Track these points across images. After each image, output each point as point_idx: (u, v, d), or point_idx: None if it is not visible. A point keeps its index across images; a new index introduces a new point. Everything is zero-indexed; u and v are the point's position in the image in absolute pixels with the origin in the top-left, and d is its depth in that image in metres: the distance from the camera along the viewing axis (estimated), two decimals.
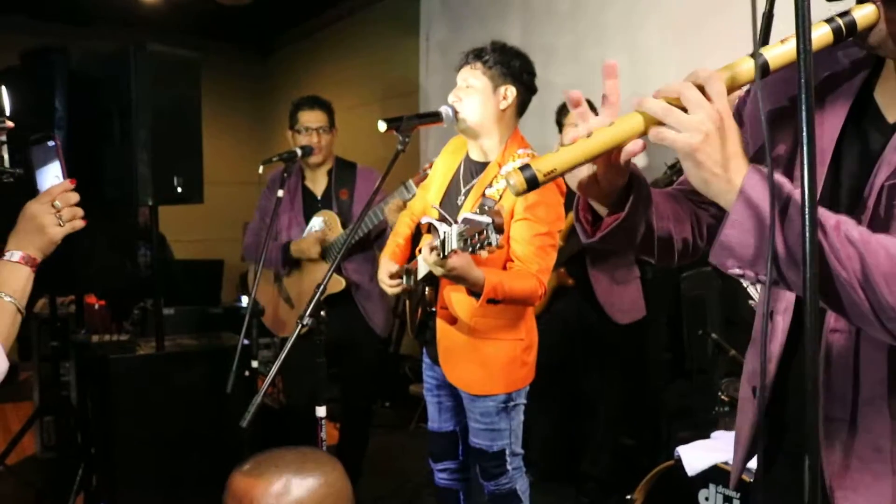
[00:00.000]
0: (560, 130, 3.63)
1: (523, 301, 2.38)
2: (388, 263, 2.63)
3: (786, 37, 1.02)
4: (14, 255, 1.49)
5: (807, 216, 0.82)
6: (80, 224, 1.58)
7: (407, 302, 2.69)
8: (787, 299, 1.19)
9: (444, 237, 2.11)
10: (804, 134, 0.83)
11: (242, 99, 8.38)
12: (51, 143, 1.57)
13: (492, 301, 2.27)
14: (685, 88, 1.00)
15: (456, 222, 2.07)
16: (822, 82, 1.19)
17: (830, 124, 1.15)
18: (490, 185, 2.35)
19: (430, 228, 2.44)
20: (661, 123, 1.02)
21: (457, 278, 2.21)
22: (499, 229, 1.91)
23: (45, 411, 4.30)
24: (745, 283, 2.46)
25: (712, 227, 1.33)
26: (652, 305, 3.58)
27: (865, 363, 1.11)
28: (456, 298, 2.44)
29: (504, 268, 2.38)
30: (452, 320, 2.46)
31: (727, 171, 1.00)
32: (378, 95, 6.53)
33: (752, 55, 1.01)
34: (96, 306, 3.99)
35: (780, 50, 1.02)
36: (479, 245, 1.95)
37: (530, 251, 2.34)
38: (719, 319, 3.31)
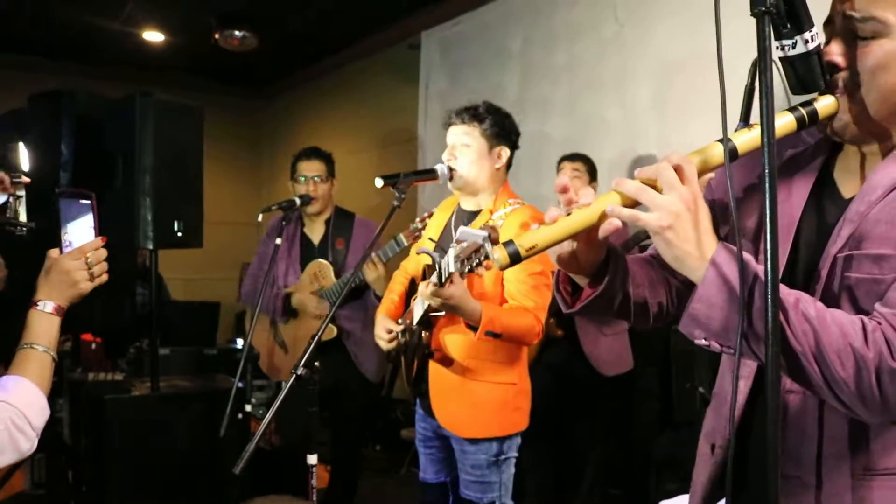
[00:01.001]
0: (560, 165, 3.73)
1: (521, 337, 2.40)
2: (384, 320, 2.68)
3: (753, 123, 1.11)
4: (47, 305, 1.57)
5: (769, 298, 0.88)
6: (105, 279, 1.66)
7: (402, 355, 2.73)
8: (750, 365, 1.26)
9: (441, 263, 2.16)
10: (767, 221, 0.90)
11: (243, 141, 8.49)
12: (85, 201, 1.65)
13: (490, 334, 2.30)
14: (662, 169, 1.07)
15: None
16: (787, 161, 1.27)
17: (795, 200, 1.23)
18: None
19: (425, 273, 2.51)
20: (637, 203, 1.09)
21: (454, 308, 2.25)
22: (495, 242, 1.96)
23: (37, 448, 4.28)
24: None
25: (682, 292, 1.39)
26: (641, 357, 3.63)
27: (826, 422, 1.17)
28: (451, 340, 2.48)
29: None
30: (447, 363, 2.50)
31: (699, 249, 1.06)
32: (377, 142, 6.62)
33: (721, 141, 1.08)
34: (93, 345, 4.02)
35: (748, 136, 1.11)
36: (476, 262, 1.99)
37: (525, 289, 2.39)
38: (707, 373, 3.35)
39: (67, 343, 4.10)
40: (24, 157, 1.82)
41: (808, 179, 1.24)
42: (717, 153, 1.10)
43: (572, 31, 4.64)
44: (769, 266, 0.91)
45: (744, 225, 1.28)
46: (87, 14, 5.82)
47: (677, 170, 1.07)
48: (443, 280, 2.17)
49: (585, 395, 3.61)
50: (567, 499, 3.79)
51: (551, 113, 4.76)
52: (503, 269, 1.13)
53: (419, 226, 3.02)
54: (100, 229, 1.65)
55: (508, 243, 1.10)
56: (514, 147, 2.60)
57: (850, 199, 1.18)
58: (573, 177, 3.65)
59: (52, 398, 3.95)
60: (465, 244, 2.03)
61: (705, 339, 1.09)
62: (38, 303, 1.57)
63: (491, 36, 5.23)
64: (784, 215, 1.20)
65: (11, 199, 1.71)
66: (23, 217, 1.75)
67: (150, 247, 3.10)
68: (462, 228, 2.03)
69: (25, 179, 1.75)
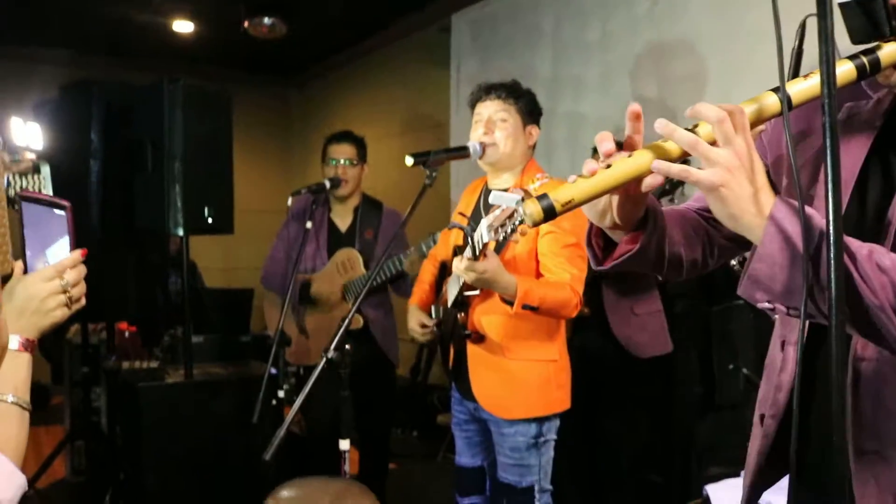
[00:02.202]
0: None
1: (558, 309, 2.35)
2: (417, 313, 2.66)
3: (809, 72, 1.03)
4: (13, 340, 1.23)
5: (832, 253, 0.81)
6: (83, 303, 1.34)
7: (438, 340, 2.68)
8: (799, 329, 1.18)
9: (474, 236, 2.12)
10: (829, 170, 0.82)
11: (274, 129, 8.50)
12: (59, 211, 1.32)
13: (527, 307, 2.25)
14: (720, 120, 0.98)
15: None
16: (845, 112, 1.18)
17: (854, 154, 1.15)
18: None
19: (455, 252, 2.46)
20: (684, 155, 1.01)
21: (488, 282, 2.21)
22: None
23: (76, 436, 4.34)
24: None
25: (725, 249, 1.32)
26: (681, 339, 3.53)
27: None
28: (487, 321, 2.44)
29: None
30: (484, 343, 2.46)
31: (756, 205, 0.98)
32: (408, 127, 6.58)
33: (776, 90, 1.00)
34: (127, 333, 4.04)
35: (804, 85, 1.02)
36: (510, 229, 1.94)
37: (560, 261, 2.34)
38: (751, 354, 3.26)
39: (103, 332, 4.13)
40: (28, 133, 1.78)
41: (870, 134, 1.15)
42: (772, 102, 1.01)
43: (605, 7, 4.54)
44: (832, 216, 0.83)
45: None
46: (117, 6, 5.84)
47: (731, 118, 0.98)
48: (476, 253, 2.12)
49: (620, 379, 3.52)
50: (604, 486, 3.72)
51: (585, 92, 4.67)
52: (536, 225, 1.04)
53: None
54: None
55: (542, 197, 1.02)
56: (538, 128, 2.59)
57: None
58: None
59: (89, 387, 3.99)
60: (497, 211, 1.97)
61: (769, 302, 1.01)
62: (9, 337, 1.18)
63: (522, 16, 5.14)
64: (843, 169, 1.09)
65: (14, 178, 1.68)
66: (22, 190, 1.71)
67: (181, 233, 3.09)
68: (495, 192, 1.97)
69: (27, 157, 1.71)
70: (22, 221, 1.30)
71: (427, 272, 2.85)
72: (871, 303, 0.94)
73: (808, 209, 0.96)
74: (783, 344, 1.22)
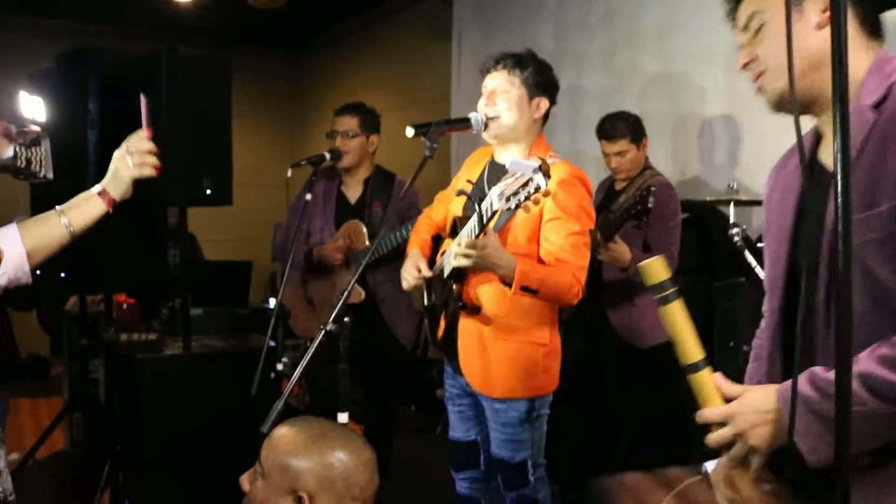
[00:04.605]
0: (600, 140, 3.54)
1: (559, 295, 2.30)
2: (418, 256, 2.59)
3: None
4: (96, 187, 1.75)
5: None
6: (148, 171, 1.80)
7: (430, 312, 2.65)
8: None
9: (481, 206, 2.08)
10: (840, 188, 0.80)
11: (274, 101, 8.45)
12: (141, 100, 1.88)
13: (526, 290, 2.21)
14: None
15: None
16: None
17: (788, 204, 1.33)
18: None
19: (455, 226, 2.42)
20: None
21: (487, 261, 2.16)
22: (546, 173, 1.87)
23: (74, 408, 4.35)
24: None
25: None
26: None
27: None
28: (483, 293, 2.41)
29: None
30: (478, 318, 2.43)
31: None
32: (409, 100, 6.52)
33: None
34: (125, 305, 4.03)
35: None
36: (524, 197, 1.91)
37: (564, 248, 2.30)
38: (751, 331, 3.24)
39: (101, 304, 4.12)
40: (32, 106, 1.80)
41: (797, 178, 1.29)
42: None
43: None
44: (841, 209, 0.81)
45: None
46: None
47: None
48: (484, 221, 2.08)
49: (621, 356, 3.51)
50: (603, 461, 3.72)
51: (588, 67, 4.63)
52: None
53: (453, 182, 2.93)
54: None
55: None
56: (552, 101, 2.50)
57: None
58: (617, 161, 3.45)
59: (87, 359, 3.98)
60: (510, 179, 1.93)
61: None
62: (96, 186, 1.75)
63: None
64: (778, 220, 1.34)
65: (21, 149, 1.68)
66: (39, 167, 1.72)
67: (179, 204, 3.06)
68: (513, 159, 1.94)
69: (34, 128, 1.72)
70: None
71: (424, 225, 2.78)
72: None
73: (799, 384, 1.13)
74: None
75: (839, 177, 0.80)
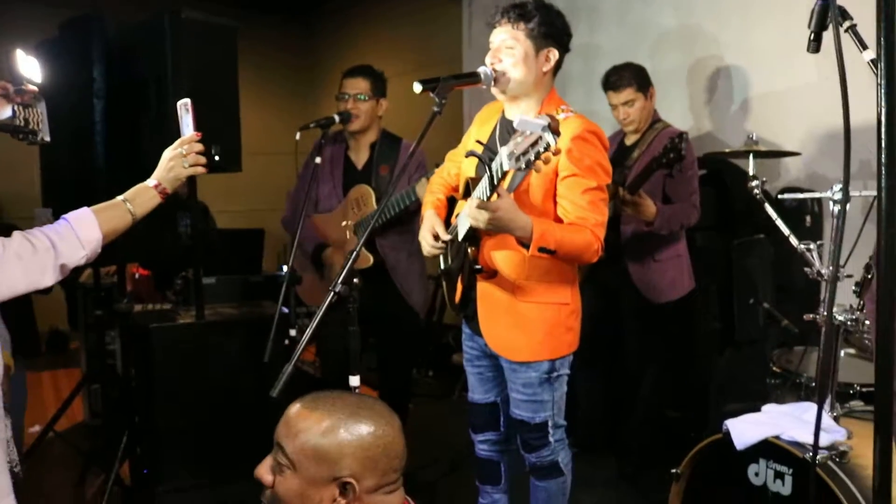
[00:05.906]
0: (606, 92, 3.47)
1: (577, 254, 2.23)
2: (433, 218, 2.52)
3: None
4: (151, 181, 1.96)
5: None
6: (200, 170, 2.06)
7: (446, 275, 2.61)
8: None
9: (492, 166, 2.02)
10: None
11: (284, 69, 8.37)
12: (183, 101, 2.10)
13: (544, 250, 2.15)
14: None
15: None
16: None
17: None
18: None
19: (468, 187, 2.37)
20: None
21: (501, 223, 2.09)
22: (556, 132, 1.81)
23: (92, 379, 4.37)
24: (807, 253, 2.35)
25: None
26: (702, 274, 3.45)
27: None
28: (499, 257, 2.36)
29: None
30: (495, 281, 2.38)
31: None
32: (420, 64, 6.44)
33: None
34: (137, 275, 4.02)
35: None
36: (534, 156, 1.84)
37: (581, 205, 2.23)
38: (771, 288, 3.19)
39: (115, 276, 4.11)
40: (28, 66, 1.76)
41: None
42: None
43: None
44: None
45: None
46: None
47: None
48: (496, 182, 2.03)
49: (641, 314, 3.46)
50: (622, 422, 3.70)
51: (601, 23, 4.53)
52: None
53: (463, 140, 2.87)
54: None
55: None
56: (564, 49, 2.40)
57: None
58: (625, 111, 3.39)
59: (103, 331, 3.98)
60: (520, 138, 1.87)
61: None
62: (150, 179, 1.96)
63: None
64: None
65: (19, 109, 1.65)
66: (38, 126, 1.70)
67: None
68: (521, 117, 1.86)
69: (31, 88, 1.69)
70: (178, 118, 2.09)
71: (437, 185, 2.70)
72: None
73: None
74: None
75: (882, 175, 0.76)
